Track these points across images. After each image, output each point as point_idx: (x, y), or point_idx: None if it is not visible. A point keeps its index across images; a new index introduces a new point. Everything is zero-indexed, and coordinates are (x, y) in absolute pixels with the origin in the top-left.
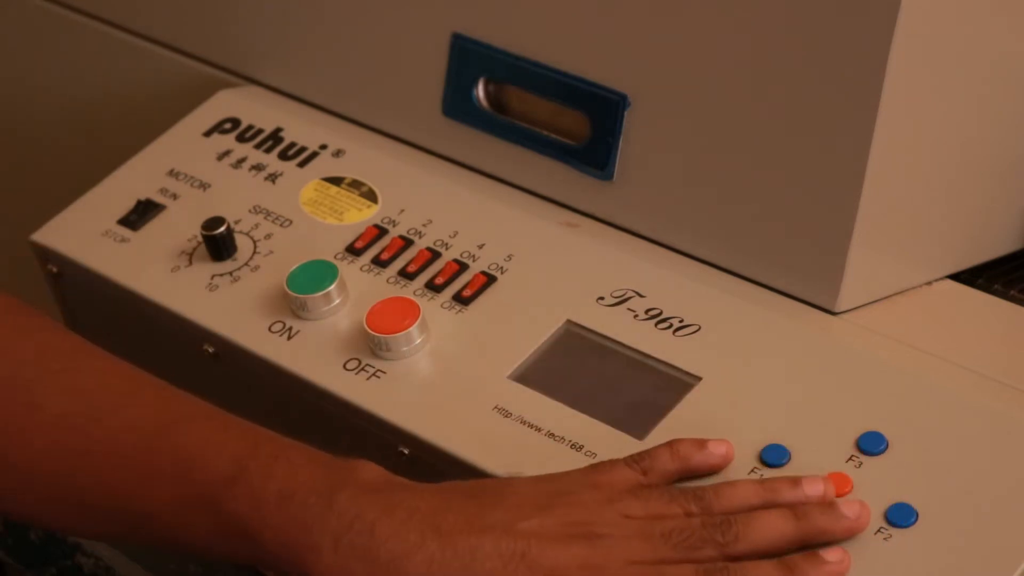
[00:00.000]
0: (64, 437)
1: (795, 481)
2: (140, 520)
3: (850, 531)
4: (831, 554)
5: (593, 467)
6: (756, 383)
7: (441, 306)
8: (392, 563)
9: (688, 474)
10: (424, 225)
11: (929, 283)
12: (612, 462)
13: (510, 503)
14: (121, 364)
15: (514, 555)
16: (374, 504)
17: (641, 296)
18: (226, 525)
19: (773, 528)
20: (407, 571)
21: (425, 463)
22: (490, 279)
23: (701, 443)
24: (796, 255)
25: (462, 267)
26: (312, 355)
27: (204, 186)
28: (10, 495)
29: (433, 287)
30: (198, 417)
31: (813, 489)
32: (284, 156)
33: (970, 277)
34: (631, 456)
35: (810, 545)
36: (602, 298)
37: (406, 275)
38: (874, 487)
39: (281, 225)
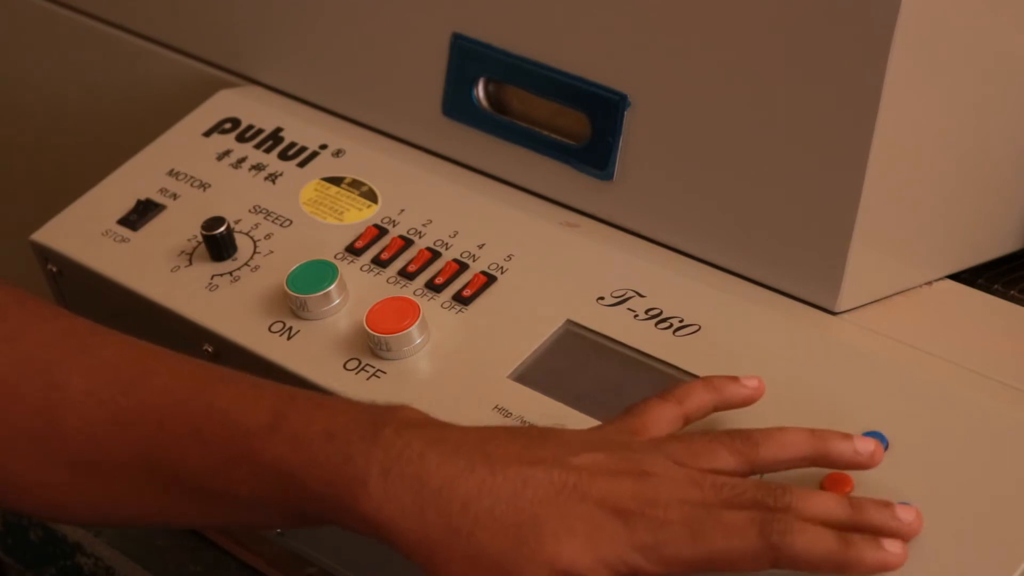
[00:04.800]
0: (93, 412)
1: (847, 435)
2: (177, 488)
3: (901, 536)
4: (892, 544)
5: (627, 411)
6: None
7: (441, 306)
8: (442, 489)
9: (723, 406)
10: (424, 225)
11: (929, 283)
12: (644, 401)
13: (558, 442)
14: (140, 342)
15: (565, 485)
16: (420, 437)
17: (641, 296)
18: (269, 473)
19: (825, 507)
20: (457, 496)
21: None
22: (490, 279)
23: (734, 377)
24: (796, 255)
25: (462, 267)
26: (312, 355)
27: (204, 186)
28: (43, 483)
29: (433, 287)
30: (228, 379)
31: (864, 446)
32: (284, 156)
33: (970, 277)
34: (660, 392)
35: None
36: (602, 298)
37: (406, 275)
38: (874, 487)
39: (281, 225)
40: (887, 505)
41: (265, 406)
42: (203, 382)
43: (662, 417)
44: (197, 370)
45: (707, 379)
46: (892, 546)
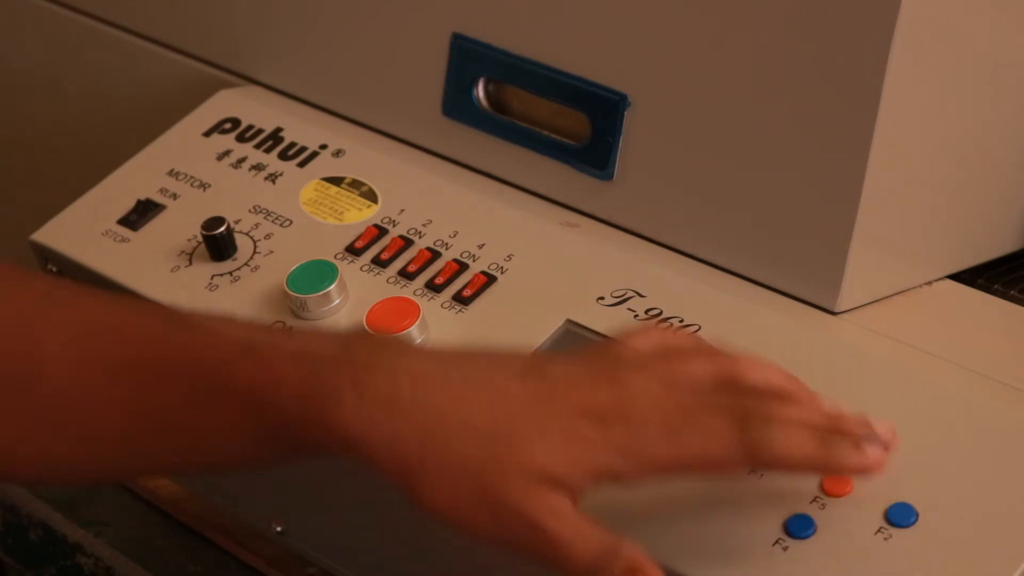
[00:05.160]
0: (72, 365)
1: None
2: (153, 431)
3: (867, 456)
4: (872, 448)
5: (608, 339)
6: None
7: (441, 306)
8: (416, 400)
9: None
10: (424, 225)
11: (929, 283)
12: (627, 326)
13: (534, 357)
14: (118, 295)
15: (540, 393)
16: (392, 351)
17: (641, 296)
18: (241, 399)
19: (801, 415)
20: (431, 407)
21: None
22: (490, 279)
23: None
24: (796, 255)
25: (462, 267)
26: None
27: (204, 186)
28: (25, 441)
29: (433, 287)
30: (204, 318)
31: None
32: (284, 156)
33: (970, 277)
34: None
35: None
36: (602, 298)
37: (406, 275)
38: (874, 487)
39: (281, 225)
40: (864, 420)
41: (237, 336)
42: (178, 324)
43: (641, 336)
44: (173, 314)
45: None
46: (872, 449)
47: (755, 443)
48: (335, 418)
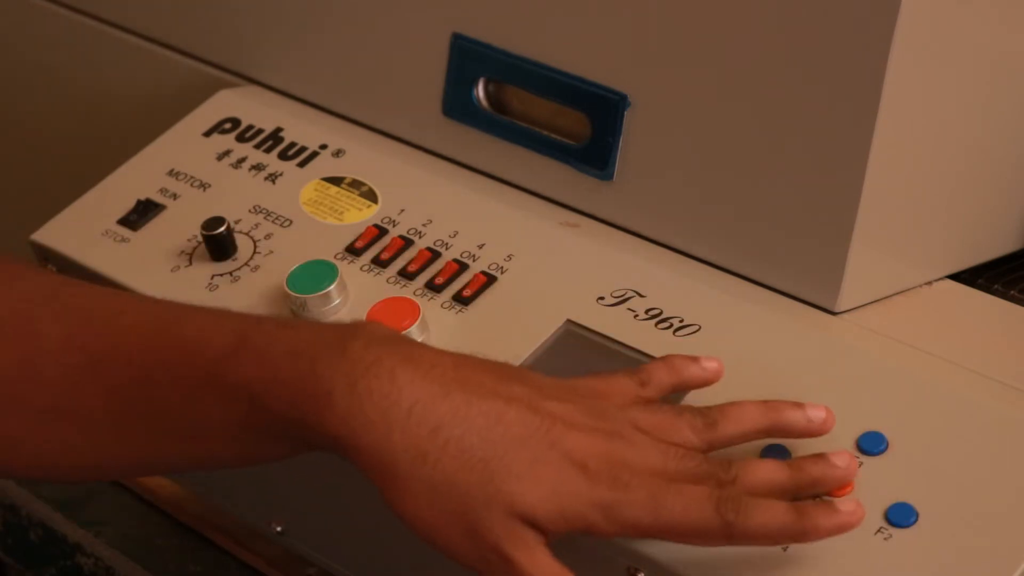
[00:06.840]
0: (69, 358)
1: (798, 404)
2: (146, 426)
3: (841, 480)
4: (845, 504)
5: (594, 375)
6: (756, 383)
7: (441, 306)
8: (414, 410)
9: (683, 387)
10: (424, 225)
11: (929, 283)
12: (612, 372)
13: (531, 384)
14: (110, 288)
15: (538, 429)
16: (392, 352)
17: (641, 296)
18: (235, 395)
19: (768, 473)
20: (428, 420)
21: None
22: (490, 279)
23: (694, 358)
24: (796, 255)
25: (462, 267)
26: None
27: (204, 186)
28: (26, 438)
29: (433, 287)
30: (195, 310)
31: (815, 414)
32: (284, 156)
33: (970, 277)
34: (628, 368)
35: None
36: (602, 298)
37: (406, 275)
38: (874, 487)
39: (281, 225)
40: (821, 456)
41: (230, 330)
42: (171, 317)
43: (625, 393)
44: (165, 307)
45: (668, 360)
46: (846, 506)
47: (731, 521)
48: (327, 417)
